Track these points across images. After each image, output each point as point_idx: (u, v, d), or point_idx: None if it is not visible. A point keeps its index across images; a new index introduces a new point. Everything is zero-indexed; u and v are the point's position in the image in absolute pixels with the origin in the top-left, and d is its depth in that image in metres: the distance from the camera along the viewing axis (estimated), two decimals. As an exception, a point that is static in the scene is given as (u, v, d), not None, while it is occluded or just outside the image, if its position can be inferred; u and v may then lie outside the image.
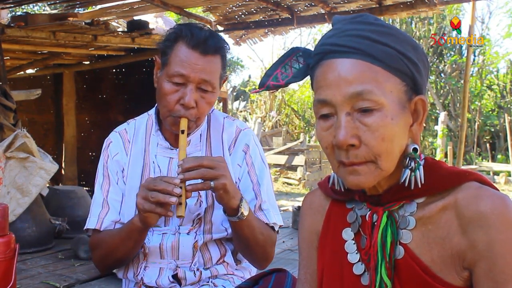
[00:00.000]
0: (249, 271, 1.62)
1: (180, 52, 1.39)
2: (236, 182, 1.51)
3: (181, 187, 1.25)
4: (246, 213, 1.35)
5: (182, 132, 1.39)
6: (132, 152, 1.56)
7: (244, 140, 1.56)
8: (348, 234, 0.96)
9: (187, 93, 1.38)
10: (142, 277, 1.50)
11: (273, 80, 0.98)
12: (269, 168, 1.61)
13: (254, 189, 1.52)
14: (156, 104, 1.51)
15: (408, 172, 0.87)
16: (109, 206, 1.52)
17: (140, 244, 1.47)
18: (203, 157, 1.34)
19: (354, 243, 0.94)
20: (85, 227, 1.54)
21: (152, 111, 1.59)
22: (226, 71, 1.52)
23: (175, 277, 1.50)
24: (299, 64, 0.96)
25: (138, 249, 1.49)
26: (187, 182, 1.28)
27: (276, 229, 1.53)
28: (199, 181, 1.30)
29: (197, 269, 1.50)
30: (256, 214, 1.48)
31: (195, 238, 1.49)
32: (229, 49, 1.48)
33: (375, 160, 0.83)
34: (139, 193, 1.29)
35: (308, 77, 0.97)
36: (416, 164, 0.88)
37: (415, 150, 0.88)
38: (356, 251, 0.94)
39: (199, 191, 1.47)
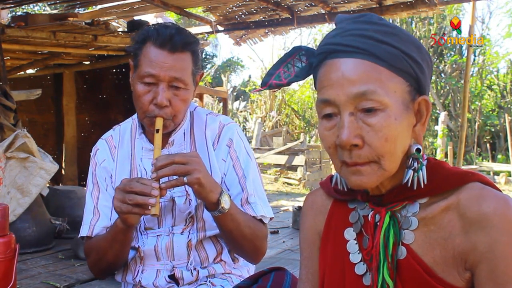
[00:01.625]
0: (247, 269, 1.61)
1: (148, 52, 1.39)
2: (222, 177, 1.51)
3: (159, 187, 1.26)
4: (226, 206, 1.34)
5: (157, 131, 1.39)
6: (118, 158, 1.56)
7: (227, 135, 1.55)
8: (350, 234, 0.95)
9: (159, 92, 1.38)
10: (139, 280, 1.50)
11: (275, 79, 0.98)
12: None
13: (240, 182, 1.50)
14: None
15: (411, 172, 0.87)
16: (99, 212, 1.52)
17: (128, 246, 1.47)
18: (175, 154, 1.34)
19: (356, 243, 0.94)
20: (79, 236, 1.55)
21: (135, 115, 1.59)
22: (200, 67, 1.51)
23: (172, 277, 1.49)
24: (301, 63, 0.96)
25: (128, 251, 1.49)
26: (161, 180, 1.28)
27: (266, 221, 1.51)
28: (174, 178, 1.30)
29: (194, 269, 1.49)
30: (243, 207, 1.47)
31: (188, 237, 1.49)
32: (199, 44, 1.47)
33: (378, 160, 0.83)
34: (116, 196, 1.29)
35: (308, 77, 0.97)
36: (419, 165, 0.87)
37: (418, 150, 0.88)
38: (358, 251, 0.93)
39: (187, 190, 1.47)
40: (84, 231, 1.52)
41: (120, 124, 1.64)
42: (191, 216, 1.49)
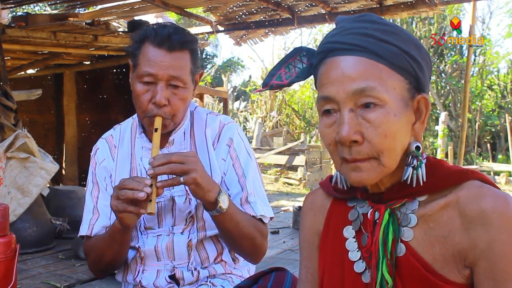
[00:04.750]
0: (248, 270, 1.61)
1: (146, 52, 1.40)
2: (221, 177, 1.51)
3: (151, 184, 1.26)
4: (224, 206, 1.34)
5: (155, 130, 1.39)
6: (118, 157, 1.56)
7: (227, 134, 1.55)
8: (349, 232, 0.96)
9: (157, 91, 1.38)
10: (140, 280, 1.50)
11: (276, 79, 0.99)
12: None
13: (240, 182, 1.50)
14: None
15: (410, 170, 0.87)
16: (99, 212, 1.52)
17: (126, 246, 1.47)
18: (172, 153, 1.33)
19: (355, 241, 0.94)
20: (78, 235, 1.56)
21: (136, 115, 1.59)
22: (199, 66, 1.51)
23: (172, 277, 1.49)
24: (302, 64, 0.97)
25: (126, 251, 1.49)
26: (159, 179, 1.29)
27: (266, 221, 1.51)
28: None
29: (195, 269, 1.49)
30: (243, 207, 1.47)
31: (188, 237, 1.49)
32: (197, 42, 1.47)
33: (377, 156, 0.84)
34: (112, 194, 1.30)
35: (309, 77, 0.97)
36: (418, 162, 0.88)
37: (417, 148, 0.88)
38: (357, 249, 0.93)
39: (186, 190, 1.47)
40: (83, 230, 1.52)
41: (120, 123, 1.64)
42: (191, 215, 1.49)
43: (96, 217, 1.52)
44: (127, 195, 1.24)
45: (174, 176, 1.30)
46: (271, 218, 1.53)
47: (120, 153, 1.57)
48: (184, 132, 1.55)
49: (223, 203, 1.34)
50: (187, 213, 1.49)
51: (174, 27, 1.43)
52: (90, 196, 1.56)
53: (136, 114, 1.58)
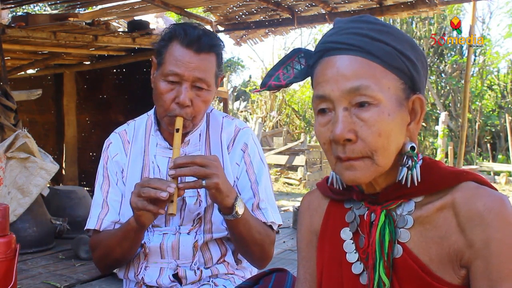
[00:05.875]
0: (250, 271, 1.62)
1: (174, 51, 1.40)
2: (234, 181, 1.52)
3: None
4: (241, 212, 1.35)
5: (177, 130, 1.39)
6: (131, 153, 1.56)
7: (242, 139, 1.56)
8: (346, 233, 0.96)
9: (182, 91, 1.39)
10: (142, 277, 1.51)
11: (274, 80, 1.00)
12: (268, 167, 1.61)
13: (252, 188, 1.52)
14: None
15: (405, 170, 0.88)
16: (108, 206, 1.52)
17: (137, 245, 1.47)
18: (196, 155, 1.34)
19: (352, 243, 0.95)
20: (85, 228, 1.55)
21: (151, 112, 1.59)
22: (223, 70, 1.52)
23: (175, 276, 1.50)
24: (300, 65, 0.98)
25: (136, 250, 1.50)
26: (179, 180, 1.29)
27: (275, 228, 1.53)
28: (192, 179, 1.30)
29: (198, 268, 1.50)
30: (254, 213, 1.48)
31: (195, 237, 1.49)
32: (224, 47, 1.48)
33: (371, 155, 0.84)
34: (133, 191, 1.30)
35: (307, 78, 0.98)
36: (413, 163, 0.88)
37: (412, 148, 0.88)
38: (355, 251, 0.94)
39: (198, 191, 1.48)
40: (91, 224, 1.51)
41: (134, 119, 1.64)
42: (199, 217, 1.50)
43: (105, 211, 1.51)
44: (149, 194, 1.25)
45: (195, 178, 1.30)
46: (279, 225, 1.54)
47: (133, 149, 1.57)
48: (200, 134, 1.55)
49: (240, 208, 1.35)
50: (196, 215, 1.49)
51: (203, 29, 1.44)
52: (100, 189, 1.55)
53: (151, 111, 1.58)
